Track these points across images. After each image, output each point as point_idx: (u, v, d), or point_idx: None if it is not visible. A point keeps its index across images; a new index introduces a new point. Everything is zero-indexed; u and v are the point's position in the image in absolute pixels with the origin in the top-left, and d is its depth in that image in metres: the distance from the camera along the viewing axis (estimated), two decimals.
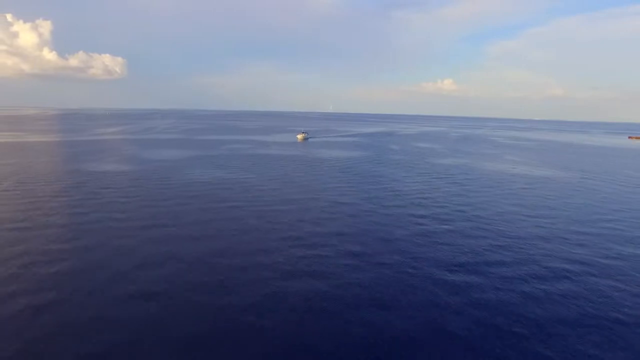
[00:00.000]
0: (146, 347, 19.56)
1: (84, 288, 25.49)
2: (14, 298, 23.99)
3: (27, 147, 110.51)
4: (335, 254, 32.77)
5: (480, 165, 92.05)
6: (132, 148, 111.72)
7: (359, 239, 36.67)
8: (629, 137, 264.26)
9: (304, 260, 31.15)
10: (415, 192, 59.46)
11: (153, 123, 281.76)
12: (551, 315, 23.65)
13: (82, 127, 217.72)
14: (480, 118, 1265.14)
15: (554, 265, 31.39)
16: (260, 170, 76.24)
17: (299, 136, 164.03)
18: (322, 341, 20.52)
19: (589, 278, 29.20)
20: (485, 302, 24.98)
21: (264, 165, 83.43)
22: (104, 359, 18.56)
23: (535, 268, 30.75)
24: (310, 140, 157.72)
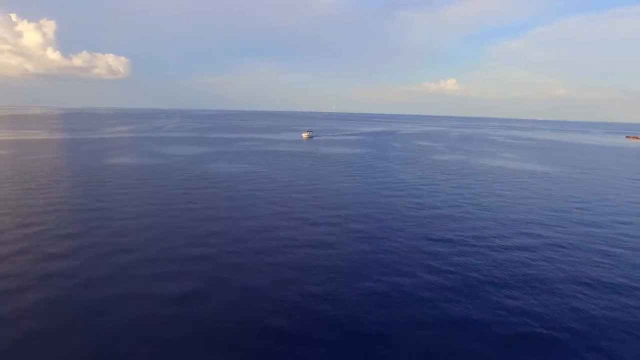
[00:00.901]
0: (201, 295, 26.13)
1: (151, 254, 32.12)
2: (108, 256, 30.68)
3: (53, 143, 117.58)
4: (343, 229, 39.36)
5: (475, 161, 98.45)
6: (150, 145, 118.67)
7: (363, 219, 43.22)
8: (627, 137, 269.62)
9: (318, 233, 37.76)
10: (414, 183, 65.98)
11: (160, 122, 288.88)
12: (508, 273, 30.18)
13: (94, 126, 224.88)
14: (482, 118, 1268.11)
15: (520, 239, 37.94)
16: (273, 164, 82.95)
17: (304, 135, 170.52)
18: (334, 289, 27.04)
19: (547, 247, 35.71)
20: (463, 264, 31.50)
21: (275, 160, 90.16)
22: (173, 298, 24.98)
23: (506, 240, 37.32)
24: (315, 138, 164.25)
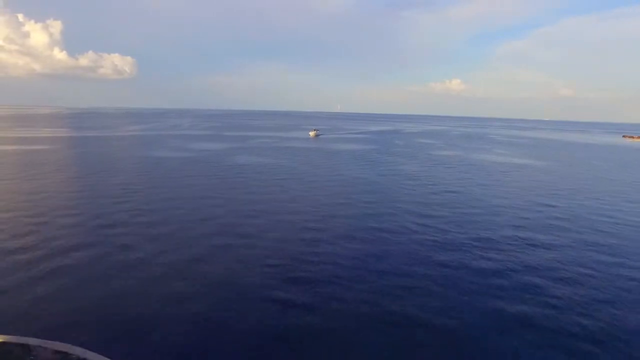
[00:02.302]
0: (265, 245, 37.11)
1: (223, 222, 43.21)
2: (192, 223, 41.76)
3: (85, 140, 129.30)
4: (354, 205, 50.35)
5: (468, 156, 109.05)
6: (175, 141, 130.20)
7: (371, 198, 54.18)
8: (623, 136, 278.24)
9: (335, 208, 48.81)
10: (412, 172, 76.84)
11: (174, 122, 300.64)
12: (474, 235, 41.01)
13: (112, 125, 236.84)
14: (487, 118, 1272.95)
15: (488, 212, 48.77)
16: (289, 158, 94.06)
17: (311, 133, 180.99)
18: (351, 241, 37.94)
19: (509, 217, 46.52)
20: (441, 227, 42.37)
21: (290, 154, 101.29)
22: (248, 247, 35.82)
23: (478, 214, 48.16)
24: (321, 137, 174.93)
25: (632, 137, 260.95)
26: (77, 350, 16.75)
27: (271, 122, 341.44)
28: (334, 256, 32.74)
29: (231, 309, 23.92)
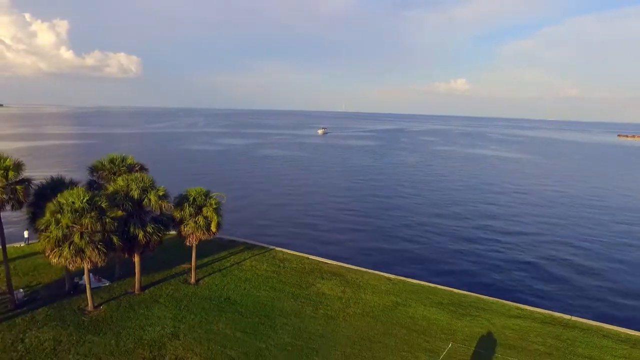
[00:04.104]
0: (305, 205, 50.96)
1: (274, 191, 57.13)
2: (259, 193, 55.85)
3: (116, 136, 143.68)
4: (364, 186, 64.32)
5: (465, 151, 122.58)
6: (201, 137, 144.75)
7: (378, 183, 68.16)
8: (618, 135, 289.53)
9: (349, 186, 62.95)
10: (413, 162, 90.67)
11: (188, 120, 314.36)
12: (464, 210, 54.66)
13: (130, 123, 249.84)
14: (492, 118, 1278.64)
15: (467, 190, 62.40)
16: (306, 151, 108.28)
17: (320, 131, 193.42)
18: (362, 207, 51.72)
19: (485, 194, 60.08)
20: (430, 199, 56.06)
21: (306, 148, 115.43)
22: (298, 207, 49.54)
23: (461, 192, 61.84)
24: (329, 134, 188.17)
25: (626, 136, 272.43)
26: (241, 241, 30.75)
27: (280, 121, 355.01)
28: (352, 211, 46.62)
29: (291, 233, 37.78)
